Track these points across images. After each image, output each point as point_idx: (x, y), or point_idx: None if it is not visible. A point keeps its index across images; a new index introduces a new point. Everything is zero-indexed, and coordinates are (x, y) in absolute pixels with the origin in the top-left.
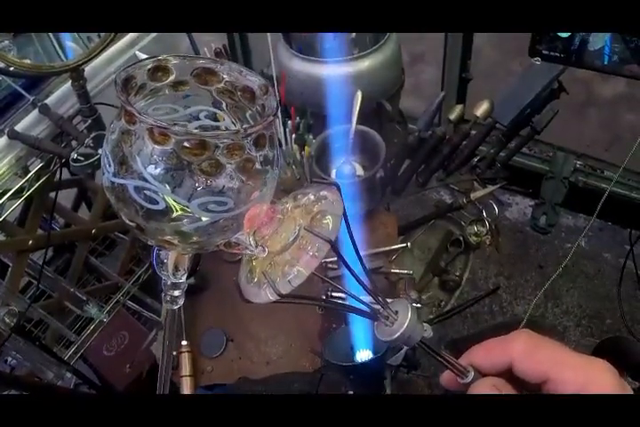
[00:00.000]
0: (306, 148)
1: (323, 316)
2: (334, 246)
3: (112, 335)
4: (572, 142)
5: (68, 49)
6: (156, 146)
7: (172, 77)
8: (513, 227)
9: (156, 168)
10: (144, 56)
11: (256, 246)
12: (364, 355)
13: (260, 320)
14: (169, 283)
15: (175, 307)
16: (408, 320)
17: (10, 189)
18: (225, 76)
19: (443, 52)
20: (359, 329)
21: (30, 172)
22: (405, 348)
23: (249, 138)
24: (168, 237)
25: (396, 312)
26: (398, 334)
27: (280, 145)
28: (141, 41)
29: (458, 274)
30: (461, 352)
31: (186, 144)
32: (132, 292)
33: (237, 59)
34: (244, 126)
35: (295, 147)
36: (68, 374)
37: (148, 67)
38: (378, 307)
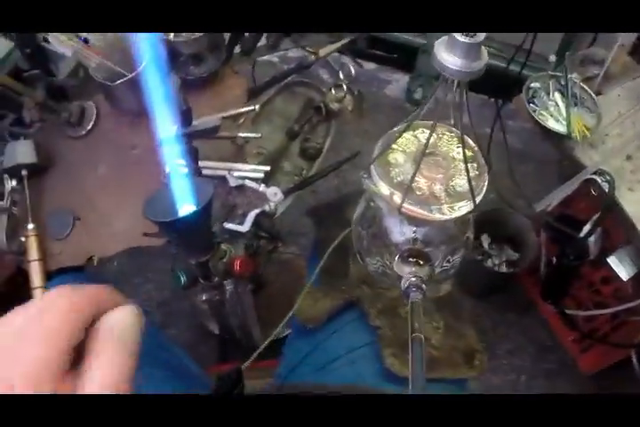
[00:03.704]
0: None
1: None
2: None
3: None
4: None
5: None
6: None
7: None
8: (392, 104)
9: None
10: None
11: None
12: (186, 210)
13: (107, 194)
14: None
15: None
16: None
17: None
18: None
19: None
20: (179, 186)
21: None
22: (255, 212)
23: None
24: None
25: None
26: None
27: None
28: None
29: (319, 142)
30: (322, 219)
31: None
32: None
33: None
34: None
35: None
36: None
37: None
38: None
